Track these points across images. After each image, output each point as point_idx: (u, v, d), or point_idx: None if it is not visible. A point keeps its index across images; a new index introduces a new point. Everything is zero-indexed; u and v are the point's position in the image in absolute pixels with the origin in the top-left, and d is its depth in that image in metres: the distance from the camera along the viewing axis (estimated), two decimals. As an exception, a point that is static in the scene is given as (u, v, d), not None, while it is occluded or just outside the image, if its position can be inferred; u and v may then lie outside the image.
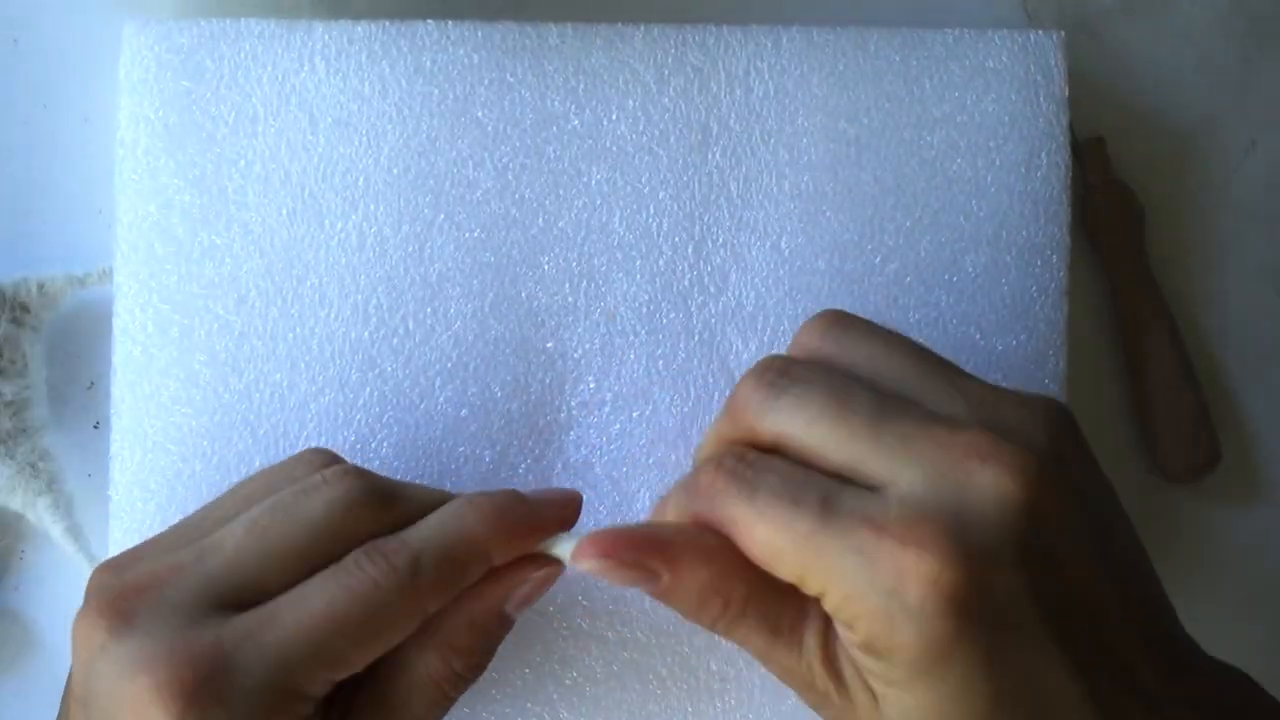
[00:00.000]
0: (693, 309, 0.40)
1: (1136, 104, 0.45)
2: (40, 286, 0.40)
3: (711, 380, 0.40)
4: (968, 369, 0.40)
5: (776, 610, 0.29)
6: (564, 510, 0.33)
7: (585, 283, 0.40)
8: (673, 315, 0.40)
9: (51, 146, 0.42)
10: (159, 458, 0.38)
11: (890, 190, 0.40)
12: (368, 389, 0.39)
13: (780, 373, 0.29)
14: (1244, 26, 0.46)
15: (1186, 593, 0.45)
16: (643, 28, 0.40)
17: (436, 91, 0.40)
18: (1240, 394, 0.46)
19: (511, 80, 0.40)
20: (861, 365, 0.29)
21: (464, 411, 0.39)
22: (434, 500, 0.32)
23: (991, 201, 0.40)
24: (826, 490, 0.27)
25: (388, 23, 0.40)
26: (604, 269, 0.40)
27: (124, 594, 0.29)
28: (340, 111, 0.39)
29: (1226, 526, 0.45)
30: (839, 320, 0.31)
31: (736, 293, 0.40)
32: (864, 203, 0.40)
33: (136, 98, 0.39)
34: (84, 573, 0.40)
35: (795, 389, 0.28)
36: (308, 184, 0.39)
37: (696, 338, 0.40)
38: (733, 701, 0.39)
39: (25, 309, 0.40)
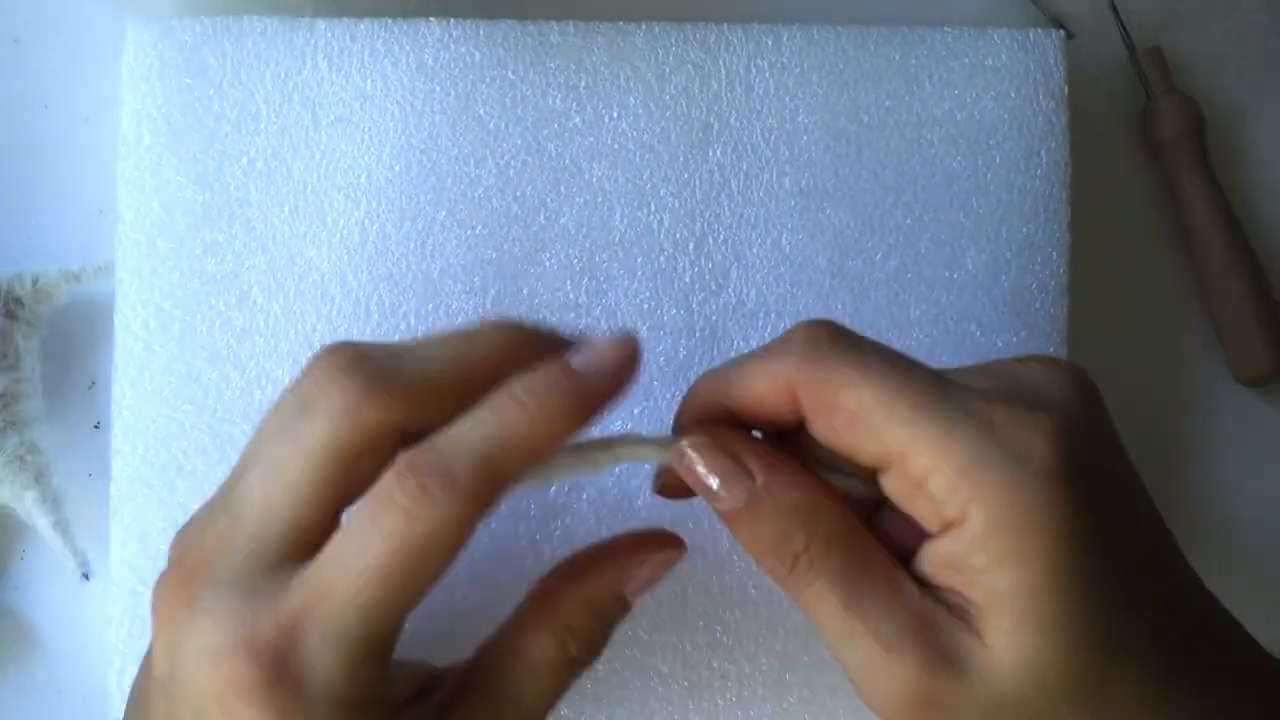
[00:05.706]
0: (694, 306, 0.40)
1: (1136, 106, 0.46)
2: (34, 281, 0.40)
3: (712, 377, 0.40)
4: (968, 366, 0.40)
5: (865, 557, 0.28)
6: (618, 381, 0.29)
7: (586, 280, 0.40)
8: (674, 312, 0.40)
9: (52, 146, 0.42)
10: (160, 454, 0.38)
11: (890, 187, 0.40)
12: (369, 386, 0.39)
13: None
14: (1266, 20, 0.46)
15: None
16: (644, 25, 0.40)
17: (438, 89, 0.40)
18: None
19: (513, 78, 0.40)
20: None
21: (466, 408, 0.39)
22: (440, 358, 0.29)
23: (992, 198, 0.40)
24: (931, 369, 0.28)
25: (390, 20, 0.40)
26: (605, 266, 0.40)
27: (187, 568, 0.28)
28: (342, 109, 0.39)
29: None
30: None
31: (737, 290, 0.40)
32: (864, 200, 0.40)
33: (139, 95, 0.39)
34: (76, 571, 0.40)
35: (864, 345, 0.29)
36: (310, 181, 0.39)
37: (697, 334, 0.40)
38: (733, 699, 0.39)
39: (19, 303, 0.40)
